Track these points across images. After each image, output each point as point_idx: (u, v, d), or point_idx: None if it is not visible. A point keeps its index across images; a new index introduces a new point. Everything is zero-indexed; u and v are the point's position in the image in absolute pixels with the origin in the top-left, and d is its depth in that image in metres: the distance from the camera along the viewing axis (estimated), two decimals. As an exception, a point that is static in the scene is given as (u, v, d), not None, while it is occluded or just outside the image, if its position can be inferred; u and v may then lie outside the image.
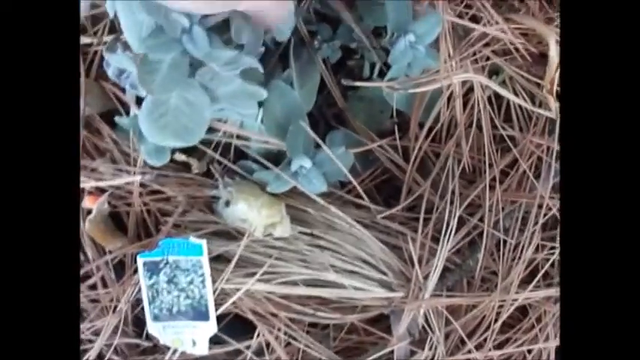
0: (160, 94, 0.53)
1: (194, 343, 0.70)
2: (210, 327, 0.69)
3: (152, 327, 0.68)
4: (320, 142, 0.64)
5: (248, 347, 0.73)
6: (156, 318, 0.68)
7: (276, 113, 0.65)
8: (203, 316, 0.69)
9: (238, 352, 0.73)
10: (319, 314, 0.70)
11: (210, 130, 0.65)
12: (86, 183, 0.68)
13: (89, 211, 0.69)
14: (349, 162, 0.66)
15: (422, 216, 0.69)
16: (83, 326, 0.71)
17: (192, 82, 0.54)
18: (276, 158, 0.67)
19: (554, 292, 0.71)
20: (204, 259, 0.66)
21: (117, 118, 0.65)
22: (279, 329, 0.70)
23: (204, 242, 0.65)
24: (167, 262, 0.66)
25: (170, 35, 0.50)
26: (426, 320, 0.71)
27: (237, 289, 0.67)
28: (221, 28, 0.53)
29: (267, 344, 0.71)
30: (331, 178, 0.67)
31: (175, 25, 0.49)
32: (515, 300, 0.71)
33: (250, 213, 0.65)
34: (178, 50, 0.50)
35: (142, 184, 0.69)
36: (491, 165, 0.71)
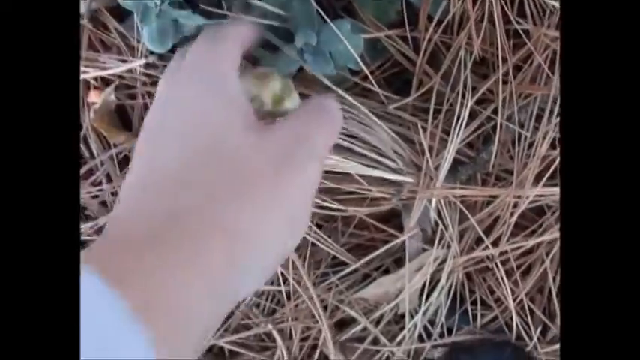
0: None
1: None
2: None
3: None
4: (326, 18, 0.62)
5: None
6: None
7: None
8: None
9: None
10: (328, 206, 0.67)
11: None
12: (90, 74, 0.67)
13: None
14: (357, 44, 0.63)
15: (432, 106, 0.66)
16: (85, 226, 0.69)
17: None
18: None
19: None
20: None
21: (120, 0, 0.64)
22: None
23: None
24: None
25: None
26: (439, 216, 0.68)
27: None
28: None
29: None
30: (340, 61, 0.63)
31: None
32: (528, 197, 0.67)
33: (258, 88, 0.63)
34: None
35: (146, 75, 0.68)
36: (504, 60, 0.67)
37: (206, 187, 0.43)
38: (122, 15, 0.69)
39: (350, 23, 0.63)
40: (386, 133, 0.64)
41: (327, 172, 0.65)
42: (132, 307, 0.33)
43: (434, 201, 0.66)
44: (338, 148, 0.64)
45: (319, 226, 0.70)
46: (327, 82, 0.63)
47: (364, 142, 0.64)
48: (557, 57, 0.66)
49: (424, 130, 0.65)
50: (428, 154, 0.64)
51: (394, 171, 0.65)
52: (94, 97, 0.68)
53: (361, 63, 0.63)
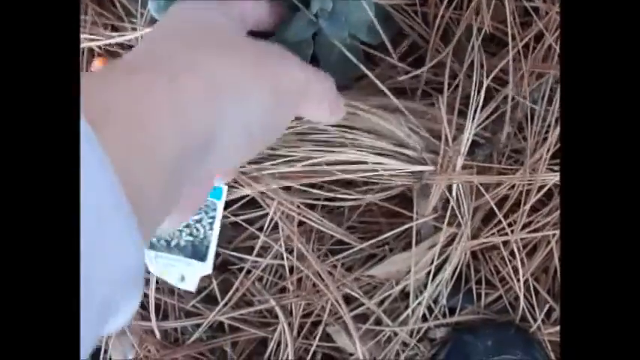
0: None
1: (182, 279, 0.68)
2: (205, 268, 0.68)
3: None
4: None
5: (260, 229, 0.69)
6: (151, 246, 0.66)
7: None
8: (201, 256, 0.67)
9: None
10: (336, 195, 0.66)
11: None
12: (93, 42, 0.65)
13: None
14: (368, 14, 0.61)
15: (446, 79, 0.65)
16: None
17: None
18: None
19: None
20: (220, 204, 0.66)
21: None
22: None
23: (224, 188, 0.65)
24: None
25: None
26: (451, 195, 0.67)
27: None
28: None
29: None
30: (352, 30, 0.62)
31: None
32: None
33: None
34: None
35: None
36: (514, 38, 0.66)
37: (186, 39, 0.47)
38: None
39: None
40: (402, 121, 0.63)
41: (344, 162, 0.64)
42: (90, 121, 0.32)
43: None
44: (355, 142, 0.63)
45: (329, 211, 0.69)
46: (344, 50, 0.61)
47: (380, 133, 0.63)
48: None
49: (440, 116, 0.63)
50: (447, 129, 0.63)
51: (413, 159, 0.64)
52: (98, 65, 0.66)
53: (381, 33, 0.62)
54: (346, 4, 0.60)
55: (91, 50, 0.66)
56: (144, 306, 0.70)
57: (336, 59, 0.61)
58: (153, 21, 0.64)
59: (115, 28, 0.67)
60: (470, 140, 0.64)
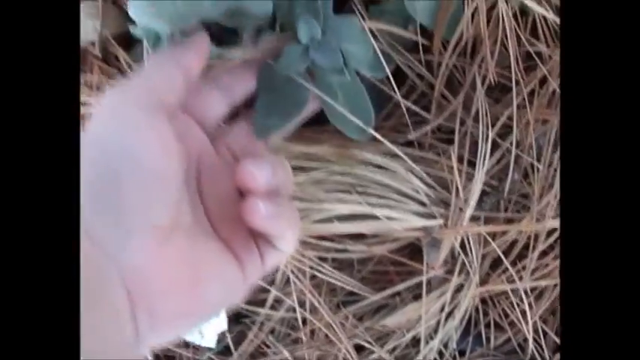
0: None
1: (202, 335, 0.68)
2: (221, 323, 0.68)
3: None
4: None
5: (272, 283, 0.69)
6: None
7: None
8: (214, 311, 0.67)
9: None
10: (347, 247, 0.66)
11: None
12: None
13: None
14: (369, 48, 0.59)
15: (457, 133, 0.65)
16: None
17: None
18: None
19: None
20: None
21: (131, 28, 0.61)
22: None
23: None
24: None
25: None
26: (461, 246, 0.67)
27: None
28: None
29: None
30: (351, 64, 0.59)
31: None
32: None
33: None
34: None
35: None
36: (518, 82, 0.66)
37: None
38: (129, 43, 0.67)
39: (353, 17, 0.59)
40: (411, 172, 0.63)
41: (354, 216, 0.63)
42: None
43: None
44: (365, 194, 0.62)
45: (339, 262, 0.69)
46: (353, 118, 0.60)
47: (387, 185, 0.63)
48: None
49: (449, 167, 0.63)
50: (458, 181, 0.63)
51: (422, 213, 0.64)
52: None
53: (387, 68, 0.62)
54: (340, 33, 0.57)
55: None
56: (158, 357, 0.70)
57: (344, 103, 0.59)
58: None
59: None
60: (479, 191, 0.64)
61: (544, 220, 0.66)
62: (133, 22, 0.60)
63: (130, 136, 0.43)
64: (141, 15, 0.53)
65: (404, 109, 0.64)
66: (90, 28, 0.66)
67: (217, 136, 0.55)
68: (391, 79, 0.62)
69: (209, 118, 0.54)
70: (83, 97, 0.64)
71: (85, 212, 0.39)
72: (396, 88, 0.63)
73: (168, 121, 0.45)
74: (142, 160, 0.42)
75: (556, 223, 0.66)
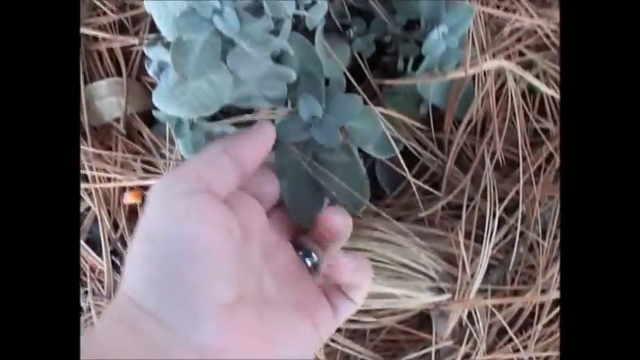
0: (193, 78, 0.51)
1: None
2: None
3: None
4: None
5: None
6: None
7: (294, 67, 0.58)
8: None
9: None
10: (359, 319, 0.68)
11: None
12: (123, 182, 0.68)
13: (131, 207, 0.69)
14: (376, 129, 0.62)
15: (464, 211, 0.67)
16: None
17: (221, 64, 0.52)
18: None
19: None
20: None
21: (154, 112, 0.64)
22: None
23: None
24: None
25: (202, 15, 0.48)
26: (469, 317, 0.69)
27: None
28: (254, 11, 0.51)
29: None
30: (357, 141, 0.61)
31: (207, 6, 0.48)
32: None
33: None
34: (210, 30, 0.49)
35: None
36: (525, 159, 0.68)
37: None
38: (153, 120, 0.69)
39: (361, 98, 0.61)
40: (421, 248, 0.65)
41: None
42: None
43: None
44: (375, 269, 0.65)
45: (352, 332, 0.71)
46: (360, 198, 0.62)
47: (397, 261, 0.65)
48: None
49: (457, 242, 0.66)
50: (465, 256, 0.65)
51: (432, 287, 0.66)
52: (130, 199, 0.68)
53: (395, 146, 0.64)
54: (342, 112, 0.58)
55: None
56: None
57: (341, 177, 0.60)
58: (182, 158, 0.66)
59: (145, 161, 0.69)
60: (485, 266, 0.66)
61: (549, 291, 0.68)
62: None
63: (182, 224, 0.44)
64: (165, 104, 0.56)
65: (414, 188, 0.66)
66: (115, 105, 0.68)
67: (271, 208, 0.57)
68: (401, 160, 0.65)
69: (264, 194, 0.55)
70: (109, 174, 0.67)
71: (151, 299, 0.42)
72: (406, 169, 0.65)
73: (219, 201, 0.46)
74: (196, 245, 0.44)
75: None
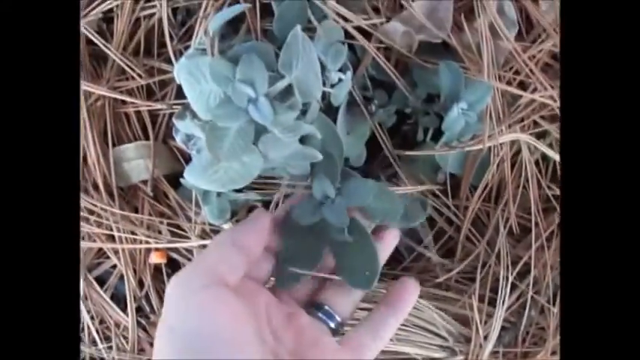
0: (226, 160, 0.53)
1: None
2: None
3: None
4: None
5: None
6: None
7: (316, 145, 0.60)
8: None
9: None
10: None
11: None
12: (150, 244, 0.70)
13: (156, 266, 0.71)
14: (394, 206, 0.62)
15: (478, 276, 0.69)
16: None
17: (253, 147, 0.55)
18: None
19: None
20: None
21: (182, 180, 0.66)
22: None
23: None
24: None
25: (237, 104, 0.51)
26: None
27: None
28: (283, 96, 0.54)
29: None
30: (378, 218, 0.63)
31: (242, 96, 0.50)
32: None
33: None
34: (245, 119, 0.51)
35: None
36: (537, 224, 0.71)
37: None
38: (179, 182, 0.71)
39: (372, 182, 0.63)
40: (435, 312, 0.67)
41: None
42: None
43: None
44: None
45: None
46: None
47: (413, 323, 0.67)
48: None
49: (470, 305, 0.68)
50: (478, 325, 0.68)
51: (445, 346, 0.68)
52: (155, 258, 0.70)
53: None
54: (356, 194, 0.60)
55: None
56: None
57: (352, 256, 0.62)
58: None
59: (171, 224, 0.72)
60: (498, 329, 0.68)
61: (559, 352, 0.70)
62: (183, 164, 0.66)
63: (201, 318, 0.48)
64: (197, 180, 0.58)
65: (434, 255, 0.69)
66: (142, 168, 0.71)
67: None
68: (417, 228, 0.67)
69: (262, 272, 0.59)
70: (136, 235, 0.70)
71: None
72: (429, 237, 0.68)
73: (232, 292, 0.50)
74: (216, 336, 0.48)
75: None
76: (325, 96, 0.60)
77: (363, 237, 0.61)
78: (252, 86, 0.50)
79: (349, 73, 0.61)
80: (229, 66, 0.51)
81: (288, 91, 0.54)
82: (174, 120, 0.60)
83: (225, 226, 0.68)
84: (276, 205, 0.68)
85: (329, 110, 0.62)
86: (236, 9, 0.61)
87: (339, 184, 0.60)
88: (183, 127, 0.60)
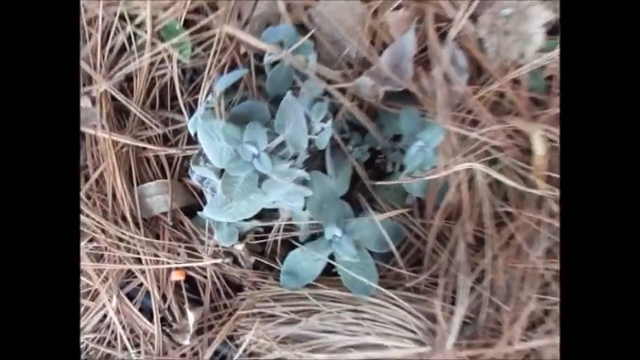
0: (237, 200, 0.69)
1: None
2: None
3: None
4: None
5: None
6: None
7: (316, 196, 0.79)
8: None
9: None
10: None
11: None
12: (171, 264, 0.85)
13: (176, 283, 0.87)
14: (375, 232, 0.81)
15: (442, 282, 0.85)
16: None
17: (257, 189, 0.70)
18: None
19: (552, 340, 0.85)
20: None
21: (199, 213, 0.81)
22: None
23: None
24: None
25: (244, 159, 0.67)
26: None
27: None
28: (278, 148, 0.70)
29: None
30: (368, 245, 0.82)
31: (248, 153, 0.66)
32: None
33: None
34: (251, 169, 0.67)
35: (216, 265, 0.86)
36: (491, 236, 0.86)
37: None
38: (194, 213, 0.87)
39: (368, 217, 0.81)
40: (407, 311, 0.83)
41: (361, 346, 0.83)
42: None
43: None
44: (371, 326, 0.83)
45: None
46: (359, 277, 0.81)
47: (389, 320, 0.83)
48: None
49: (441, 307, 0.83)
50: (441, 320, 0.83)
51: (415, 339, 0.83)
52: (175, 276, 0.86)
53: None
54: (359, 233, 0.80)
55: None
56: None
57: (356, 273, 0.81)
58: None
59: (188, 247, 0.87)
60: (459, 324, 0.83)
61: (514, 343, 0.85)
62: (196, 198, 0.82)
63: None
64: (214, 215, 0.74)
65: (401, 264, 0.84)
66: (162, 202, 0.86)
67: None
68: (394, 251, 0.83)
69: None
70: (158, 257, 0.85)
71: None
72: (398, 255, 0.83)
73: None
74: None
75: (524, 346, 0.85)
76: (311, 142, 0.76)
77: (362, 254, 0.79)
78: (255, 145, 0.66)
79: (329, 122, 0.76)
80: (237, 130, 0.66)
81: (282, 144, 0.70)
82: (190, 164, 0.76)
83: (237, 247, 0.83)
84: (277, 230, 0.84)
85: (316, 153, 0.79)
86: (237, 74, 0.77)
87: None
88: (198, 170, 0.76)
